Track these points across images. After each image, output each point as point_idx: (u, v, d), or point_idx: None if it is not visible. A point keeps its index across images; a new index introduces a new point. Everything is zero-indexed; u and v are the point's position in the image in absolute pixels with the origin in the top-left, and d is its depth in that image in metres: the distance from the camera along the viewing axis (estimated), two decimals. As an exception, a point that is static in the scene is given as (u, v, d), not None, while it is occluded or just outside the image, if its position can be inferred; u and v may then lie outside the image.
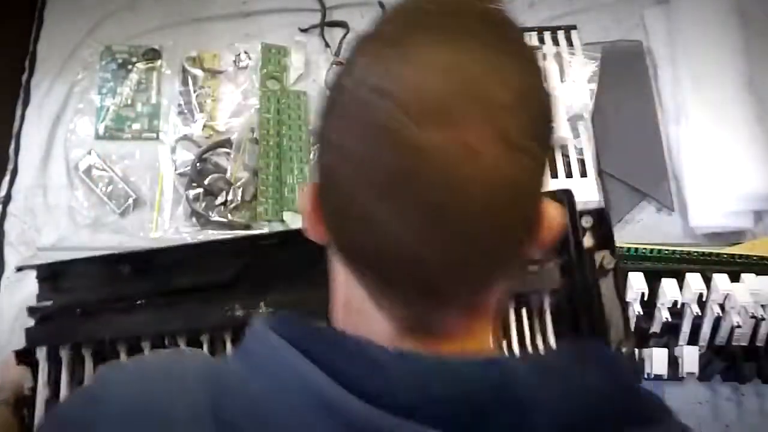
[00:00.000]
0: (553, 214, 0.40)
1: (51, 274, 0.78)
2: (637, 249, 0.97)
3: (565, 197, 0.73)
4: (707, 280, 0.88)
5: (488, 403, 0.36)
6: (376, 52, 0.37)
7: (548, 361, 0.42)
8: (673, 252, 0.97)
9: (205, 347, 0.75)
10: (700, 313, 0.86)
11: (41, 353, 0.76)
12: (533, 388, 0.37)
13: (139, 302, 0.75)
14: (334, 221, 0.39)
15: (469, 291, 0.38)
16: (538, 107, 0.37)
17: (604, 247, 0.76)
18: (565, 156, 1.03)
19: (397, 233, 0.35)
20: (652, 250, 0.96)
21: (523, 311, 0.74)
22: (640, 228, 1.03)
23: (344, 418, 0.35)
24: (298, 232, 0.45)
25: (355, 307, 0.41)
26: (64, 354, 0.76)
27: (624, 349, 0.72)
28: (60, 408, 0.51)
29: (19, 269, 0.87)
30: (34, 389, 0.75)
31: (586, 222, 0.76)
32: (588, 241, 0.76)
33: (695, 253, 0.97)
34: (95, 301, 0.76)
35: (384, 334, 0.39)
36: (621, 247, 0.96)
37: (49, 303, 0.77)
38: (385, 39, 0.38)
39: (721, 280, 0.86)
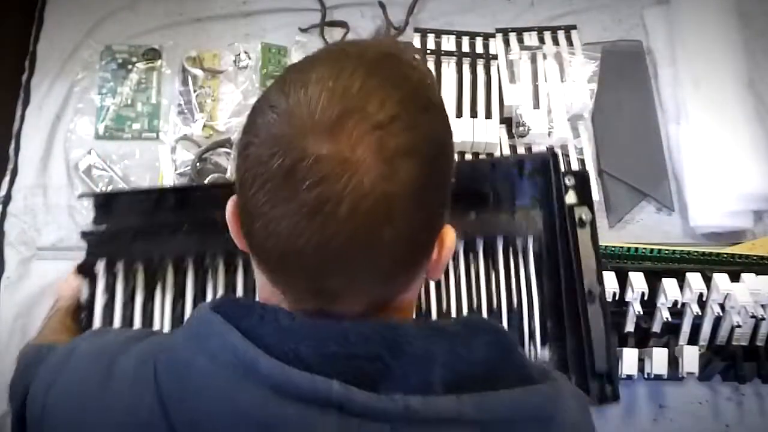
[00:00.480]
0: (449, 239, 0.46)
1: (106, 202, 0.87)
2: (637, 249, 0.97)
3: (549, 155, 0.85)
4: (707, 280, 0.88)
5: (383, 358, 0.43)
6: (285, 77, 0.44)
7: (440, 326, 0.47)
8: (673, 252, 0.97)
9: (240, 268, 0.87)
10: (700, 313, 0.86)
11: (100, 266, 0.86)
12: (424, 346, 0.44)
13: (183, 228, 0.86)
14: (245, 227, 0.44)
15: (355, 289, 0.43)
16: (428, 136, 0.43)
17: (584, 204, 0.85)
18: (566, 156, 1.03)
19: (287, 233, 0.41)
20: (652, 250, 0.96)
21: (510, 251, 0.84)
22: (640, 228, 1.03)
23: (260, 375, 0.42)
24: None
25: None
26: (120, 267, 0.86)
27: (597, 294, 0.80)
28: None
29: (81, 196, 1.01)
30: (91, 297, 0.85)
31: (569, 181, 0.85)
32: (570, 198, 0.85)
33: (695, 253, 0.97)
34: (146, 225, 0.86)
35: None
36: (621, 247, 0.97)
37: (103, 227, 0.86)
38: (296, 68, 0.44)
39: (721, 279, 0.86)
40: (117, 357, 0.49)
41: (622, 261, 0.96)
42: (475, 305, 0.82)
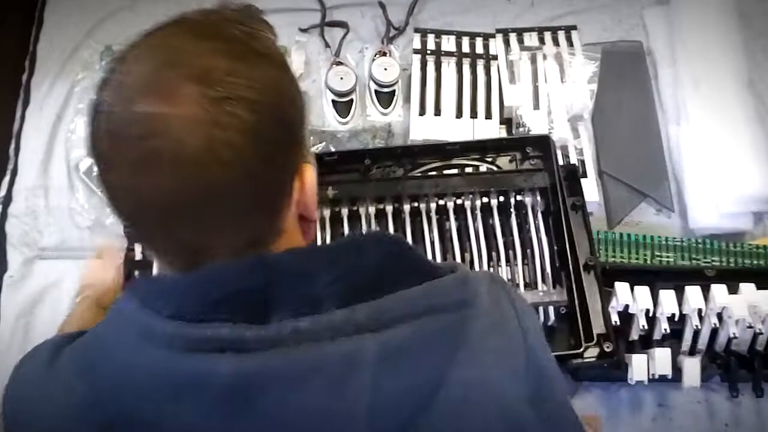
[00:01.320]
0: (309, 175, 0.49)
1: None
2: (629, 234, 0.99)
3: (547, 141, 0.94)
4: (706, 289, 0.87)
5: (262, 288, 0.44)
6: (117, 55, 0.46)
7: (325, 246, 0.49)
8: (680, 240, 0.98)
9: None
10: (700, 327, 0.87)
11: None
12: (299, 266, 0.45)
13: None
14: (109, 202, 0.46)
15: (214, 237, 0.45)
16: (257, 83, 0.44)
17: (575, 195, 0.94)
18: (566, 156, 1.03)
19: (123, 193, 0.44)
20: (645, 236, 0.99)
21: (517, 200, 0.93)
22: (640, 230, 1.03)
23: (156, 337, 0.44)
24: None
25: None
26: None
27: (592, 264, 0.89)
28: None
29: None
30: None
31: (561, 172, 0.93)
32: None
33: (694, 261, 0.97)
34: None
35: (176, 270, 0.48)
36: (614, 232, 1.00)
37: None
38: (129, 43, 0.46)
39: (718, 292, 0.86)
40: (64, 348, 0.50)
41: (618, 251, 0.98)
42: (494, 256, 0.90)
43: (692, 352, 0.89)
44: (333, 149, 1.05)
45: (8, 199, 1.05)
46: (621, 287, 0.87)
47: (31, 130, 1.09)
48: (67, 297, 0.97)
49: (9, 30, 1.16)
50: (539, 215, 0.91)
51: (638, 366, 0.86)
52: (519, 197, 0.92)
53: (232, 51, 0.44)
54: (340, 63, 1.10)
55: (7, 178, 1.06)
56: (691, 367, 0.87)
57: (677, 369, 0.88)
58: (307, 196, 0.49)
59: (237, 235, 0.45)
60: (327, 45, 1.15)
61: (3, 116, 1.11)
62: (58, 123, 1.09)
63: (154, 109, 0.42)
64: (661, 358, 0.86)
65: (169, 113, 0.41)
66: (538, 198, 0.92)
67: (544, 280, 0.89)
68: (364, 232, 0.53)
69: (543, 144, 0.95)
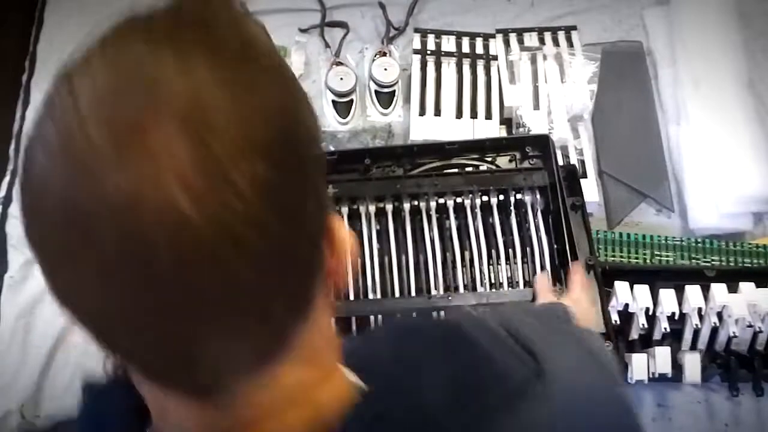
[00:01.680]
0: (340, 232, 0.36)
1: None
2: (629, 234, 0.99)
3: (546, 140, 0.94)
4: (706, 288, 0.88)
5: None
6: (54, 84, 0.31)
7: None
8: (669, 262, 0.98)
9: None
10: (700, 326, 0.87)
11: None
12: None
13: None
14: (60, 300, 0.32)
15: (233, 346, 0.31)
16: (268, 112, 0.30)
17: (575, 195, 0.93)
18: (566, 156, 1.03)
19: (96, 308, 0.30)
20: (644, 236, 0.99)
21: (516, 199, 0.93)
22: (640, 230, 1.03)
23: None
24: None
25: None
26: None
27: (592, 263, 0.88)
28: None
29: None
30: None
31: (561, 172, 0.92)
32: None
33: (694, 260, 0.97)
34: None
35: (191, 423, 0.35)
36: (613, 232, 1.00)
37: None
38: (69, 63, 0.32)
39: (718, 291, 0.86)
40: None
41: (618, 251, 0.98)
42: (493, 255, 0.91)
43: (692, 351, 0.89)
44: (333, 149, 1.05)
45: (8, 199, 1.05)
46: (621, 286, 0.87)
47: (31, 131, 1.09)
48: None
49: (9, 30, 1.16)
50: (539, 214, 0.92)
51: (638, 366, 0.86)
52: (519, 196, 0.93)
53: (228, 69, 0.30)
54: (340, 63, 1.10)
55: (7, 179, 1.06)
56: (692, 362, 0.87)
57: (677, 369, 0.88)
58: (340, 260, 0.36)
59: (255, 343, 0.32)
60: (327, 45, 1.15)
61: (3, 116, 1.11)
62: (58, 123, 1.09)
63: (123, 182, 0.27)
64: (662, 356, 0.86)
65: (152, 185, 0.27)
66: (538, 197, 0.92)
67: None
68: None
69: (542, 143, 0.96)
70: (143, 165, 0.27)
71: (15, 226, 1.03)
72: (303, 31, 1.18)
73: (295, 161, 0.31)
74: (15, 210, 1.04)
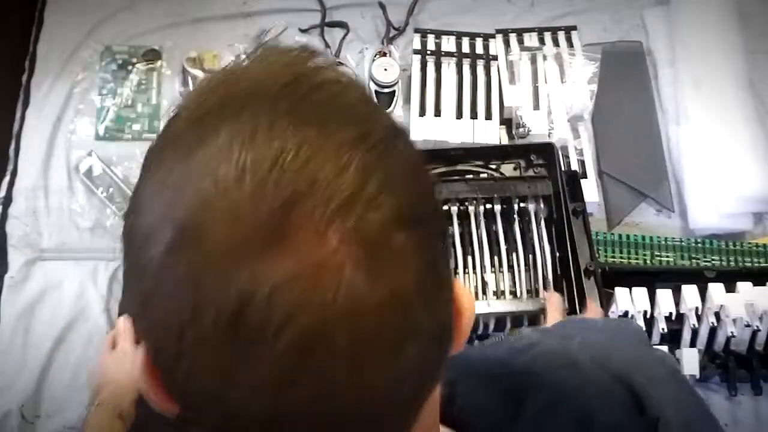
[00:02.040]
0: (466, 298, 0.33)
1: None
2: (629, 236, 0.99)
3: (551, 149, 0.95)
4: (703, 289, 0.88)
5: None
6: (163, 169, 0.29)
7: None
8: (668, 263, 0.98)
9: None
10: (697, 326, 0.87)
11: None
12: None
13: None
14: (176, 389, 0.30)
15: None
16: (410, 180, 0.29)
17: (576, 200, 0.94)
18: (566, 157, 1.03)
19: (267, 407, 0.27)
20: (644, 237, 0.99)
21: (520, 207, 0.94)
22: (640, 230, 1.03)
23: None
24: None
25: None
26: None
27: (592, 269, 0.89)
28: None
29: None
30: None
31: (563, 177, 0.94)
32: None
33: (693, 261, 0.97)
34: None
35: None
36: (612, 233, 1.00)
37: None
38: (173, 148, 0.29)
39: (716, 291, 0.86)
40: None
41: (618, 252, 0.98)
42: (496, 262, 0.91)
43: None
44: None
45: (8, 199, 1.04)
46: (621, 293, 0.87)
47: (31, 131, 1.09)
48: (67, 299, 0.97)
49: (9, 30, 1.16)
50: (542, 222, 0.92)
51: None
52: (522, 204, 0.93)
53: (380, 138, 0.28)
54: (340, 63, 1.10)
55: (6, 179, 1.06)
56: (690, 357, 0.87)
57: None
58: (463, 327, 0.33)
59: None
60: (327, 45, 1.15)
61: (3, 116, 1.11)
62: (58, 123, 1.09)
63: (288, 272, 0.25)
64: (660, 354, 0.86)
65: (319, 272, 0.26)
66: (542, 205, 0.93)
67: (545, 288, 0.89)
68: None
69: (547, 152, 0.96)
70: (301, 253, 0.26)
71: (15, 226, 1.03)
72: (303, 31, 1.17)
73: (434, 222, 0.31)
74: (15, 210, 1.04)
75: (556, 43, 1.14)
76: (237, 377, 0.26)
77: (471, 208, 0.92)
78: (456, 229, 0.92)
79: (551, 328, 0.55)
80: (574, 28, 1.15)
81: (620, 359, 0.45)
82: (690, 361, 0.87)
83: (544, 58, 1.11)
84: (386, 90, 1.08)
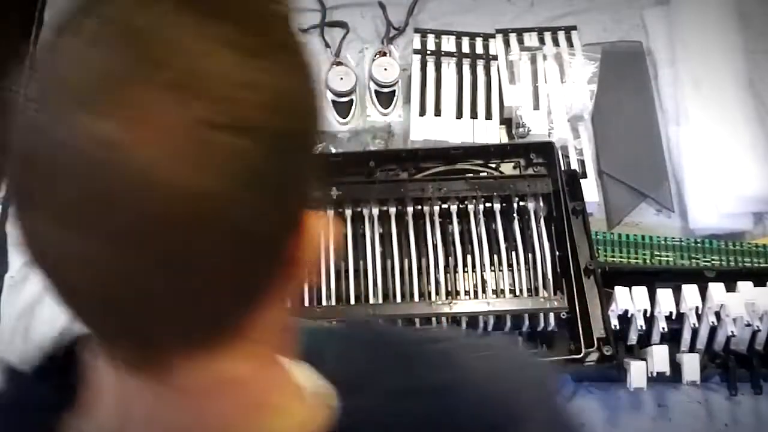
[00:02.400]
0: (310, 230, 0.33)
1: None
2: (628, 235, 0.99)
3: (551, 147, 0.95)
4: (703, 289, 0.88)
5: None
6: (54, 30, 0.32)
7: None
8: (668, 262, 0.98)
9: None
10: (697, 325, 0.87)
11: None
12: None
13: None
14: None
15: (180, 322, 0.31)
16: (272, 94, 0.30)
17: (576, 199, 0.94)
18: (565, 157, 1.03)
19: (53, 257, 0.31)
20: (644, 237, 0.99)
21: (520, 206, 0.93)
22: (640, 229, 1.03)
23: None
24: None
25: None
26: None
27: (592, 268, 0.89)
28: None
29: None
30: None
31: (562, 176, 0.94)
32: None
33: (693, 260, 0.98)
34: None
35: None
36: (612, 233, 1.00)
37: None
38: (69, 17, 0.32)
39: (716, 290, 0.86)
40: None
41: (617, 251, 0.98)
42: (496, 261, 0.91)
43: (691, 351, 0.89)
44: (333, 150, 1.05)
45: (8, 199, 1.04)
46: (620, 292, 0.87)
47: (32, 131, 1.09)
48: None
49: (9, 30, 1.16)
50: (542, 221, 0.92)
51: (637, 373, 0.86)
52: (522, 203, 0.93)
53: (245, 42, 0.29)
54: (340, 63, 1.10)
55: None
56: (691, 362, 0.87)
57: (676, 370, 0.88)
58: (302, 255, 0.33)
59: (201, 318, 0.31)
60: (327, 45, 1.15)
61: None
62: (58, 123, 1.09)
63: (97, 132, 0.27)
64: (659, 354, 0.86)
65: (129, 141, 0.27)
66: (541, 204, 0.93)
67: (545, 287, 0.89)
68: None
69: (547, 150, 0.96)
70: (122, 115, 0.27)
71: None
72: (303, 31, 1.17)
73: (293, 154, 0.31)
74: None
75: (556, 43, 1.14)
76: (33, 223, 0.30)
77: (470, 207, 0.92)
78: (456, 228, 0.92)
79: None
80: (574, 28, 1.15)
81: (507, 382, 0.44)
82: (690, 366, 0.87)
83: (544, 58, 1.11)
84: (386, 90, 1.08)
